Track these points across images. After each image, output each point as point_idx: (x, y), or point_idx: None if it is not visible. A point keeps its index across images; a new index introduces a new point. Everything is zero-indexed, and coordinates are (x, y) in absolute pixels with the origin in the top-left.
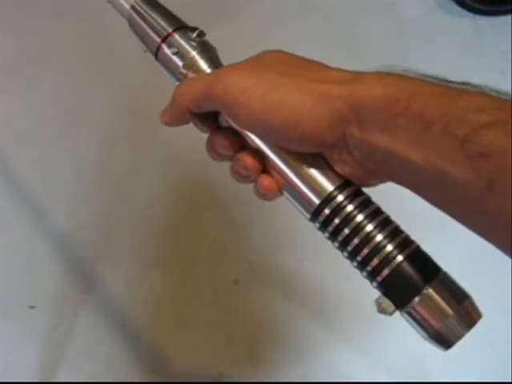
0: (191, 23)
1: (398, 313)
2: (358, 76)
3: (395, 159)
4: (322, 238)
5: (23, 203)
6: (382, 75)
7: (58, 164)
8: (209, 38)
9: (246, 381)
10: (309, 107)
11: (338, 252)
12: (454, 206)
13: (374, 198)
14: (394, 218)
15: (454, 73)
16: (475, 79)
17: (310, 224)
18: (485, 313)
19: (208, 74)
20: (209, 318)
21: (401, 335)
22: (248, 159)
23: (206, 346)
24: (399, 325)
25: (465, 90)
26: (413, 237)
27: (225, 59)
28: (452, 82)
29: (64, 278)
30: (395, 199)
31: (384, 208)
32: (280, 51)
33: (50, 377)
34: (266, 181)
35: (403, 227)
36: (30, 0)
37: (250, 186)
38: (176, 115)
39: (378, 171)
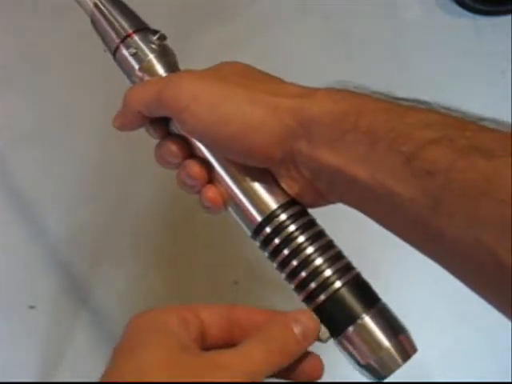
0: (191, 23)
1: None
2: (309, 91)
3: (343, 177)
4: None
5: (23, 203)
6: (333, 91)
7: (58, 164)
8: (209, 38)
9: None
10: (258, 120)
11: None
12: (401, 226)
13: (331, 217)
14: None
15: (454, 73)
16: (475, 79)
17: None
18: (485, 313)
19: (160, 78)
20: None
21: None
22: (194, 167)
23: None
24: None
25: (412, 107)
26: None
27: (224, 60)
28: (401, 98)
29: (64, 278)
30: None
31: (334, 230)
32: (238, 63)
33: (50, 377)
34: (210, 192)
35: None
36: (30, 0)
37: None
38: (127, 119)
39: (327, 191)
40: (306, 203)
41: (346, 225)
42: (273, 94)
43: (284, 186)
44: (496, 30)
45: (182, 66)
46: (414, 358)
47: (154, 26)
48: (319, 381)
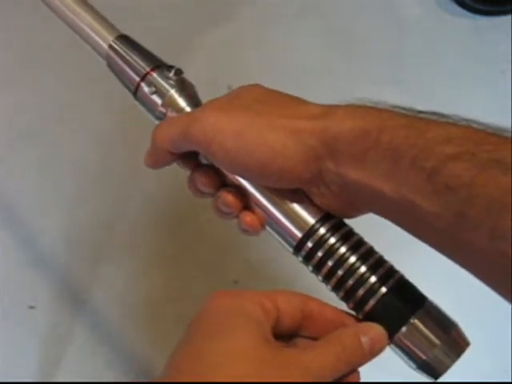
0: (191, 24)
1: None
2: (329, 110)
3: (370, 192)
4: None
5: (23, 203)
6: (352, 108)
7: (58, 164)
8: (209, 38)
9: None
10: (281, 145)
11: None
12: (428, 237)
13: (361, 227)
14: (382, 245)
15: (454, 73)
16: (475, 79)
17: None
18: (485, 313)
19: (185, 115)
20: None
21: None
22: (229, 197)
23: None
24: None
25: (432, 121)
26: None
27: (225, 59)
28: (421, 112)
29: (64, 278)
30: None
31: (372, 236)
32: (257, 86)
33: (50, 377)
34: (248, 217)
35: (393, 253)
36: (30, 0)
37: None
38: (157, 158)
39: (356, 203)
40: (340, 215)
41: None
42: (293, 117)
43: (317, 201)
44: (496, 30)
45: (183, 65)
46: None
47: (154, 26)
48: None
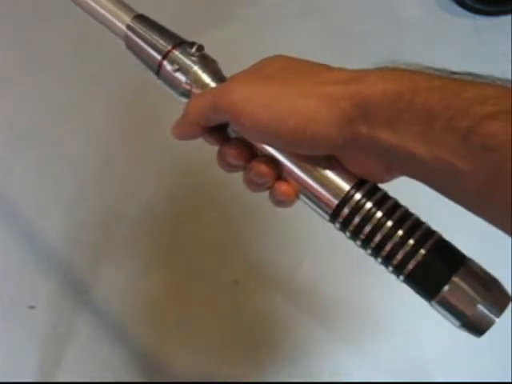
0: (192, 24)
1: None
2: (360, 74)
3: (404, 154)
4: (321, 238)
5: (23, 203)
6: (384, 72)
7: (58, 164)
8: (209, 38)
9: (245, 381)
10: (314, 111)
11: (337, 252)
12: (463, 197)
13: (393, 192)
14: (414, 209)
15: None
16: None
17: (310, 224)
18: None
19: (214, 88)
20: (209, 318)
21: (401, 335)
22: (262, 167)
23: (205, 345)
24: (399, 325)
25: (467, 82)
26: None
27: (225, 60)
28: (455, 73)
29: (64, 278)
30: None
31: (403, 201)
32: (280, 56)
33: (49, 377)
34: (283, 186)
35: (425, 217)
36: (30, 0)
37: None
38: (187, 130)
39: (390, 167)
40: (373, 180)
41: None
42: (321, 83)
43: (350, 167)
44: (496, 30)
45: None
46: (414, 358)
47: None
48: (320, 380)
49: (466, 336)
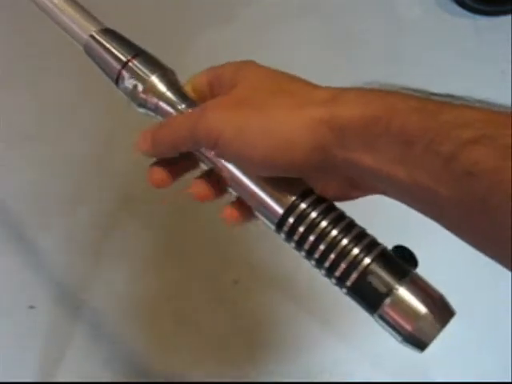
0: (192, 24)
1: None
2: (336, 94)
3: (382, 177)
4: None
5: (23, 203)
6: (360, 93)
7: (58, 163)
8: (209, 38)
9: (245, 381)
10: (288, 138)
11: None
12: (445, 222)
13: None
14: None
15: (454, 73)
16: (475, 79)
17: None
18: (485, 312)
19: (186, 117)
20: (209, 318)
21: None
22: (203, 187)
23: (205, 345)
24: None
25: (446, 104)
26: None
27: (225, 60)
28: (434, 94)
29: (64, 278)
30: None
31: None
32: (254, 69)
33: (49, 377)
34: (228, 210)
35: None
36: (30, 1)
37: None
38: (155, 153)
39: (364, 187)
40: (344, 198)
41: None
42: (298, 105)
43: (319, 187)
44: (496, 30)
45: (183, 65)
46: (414, 357)
47: (154, 26)
48: (320, 380)
49: (465, 336)
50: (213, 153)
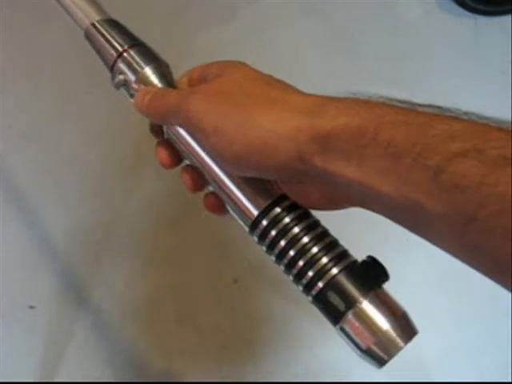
0: (193, 24)
1: None
2: (320, 104)
3: (366, 190)
4: None
5: (23, 203)
6: (346, 103)
7: (58, 163)
8: (209, 38)
9: (245, 381)
10: (266, 141)
11: None
12: (433, 237)
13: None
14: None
15: (455, 73)
16: (475, 79)
17: None
18: (484, 313)
19: (178, 95)
20: (209, 318)
21: None
22: (187, 178)
23: (205, 345)
24: None
25: (433, 116)
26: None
27: (225, 59)
28: (419, 105)
29: (64, 278)
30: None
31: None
32: (241, 67)
33: (49, 377)
34: (210, 200)
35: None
36: (30, 1)
37: None
38: (146, 115)
39: (343, 200)
40: (320, 209)
41: (350, 226)
42: (281, 109)
43: (293, 195)
44: (496, 30)
45: (183, 66)
46: (414, 357)
47: (154, 26)
48: (320, 380)
49: (465, 336)
50: (195, 147)
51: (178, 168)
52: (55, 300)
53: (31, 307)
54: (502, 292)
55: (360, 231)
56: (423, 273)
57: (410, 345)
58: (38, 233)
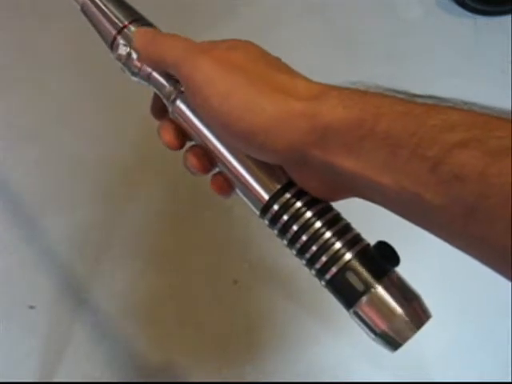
0: (193, 23)
1: None
2: (321, 92)
3: (365, 182)
4: None
5: (23, 203)
6: (345, 93)
7: (58, 163)
8: (209, 38)
9: (246, 381)
10: (269, 122)
11: None
12: (434, 229)
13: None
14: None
15: (455, 73)
16: (475, 79)
17: None
18: (484, 312)
19: (186, 47)
20: (209, 318)
21: None
22: (193, 160)
23: (205, 345)
24: None
25: (432, 107)
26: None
27: None
28: (417, 95)
29: (64, 278)
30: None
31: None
32: (251, 45)
33: (49, 377)
34: (218, 182)
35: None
36: (30, 1)
37: None
38: (143, 55)
39: (344, 190)
40: (318, 198)
41: (352, 220)
42: (286, 93)
43: (299, 183)
44: (496, 30)
45: None
46: (414, 357)
47: (155, 25)
48: (320, 380)
49: (465, 336)
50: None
51: (178, 168)
52: (55, 300)
53: (31, 307)
54: (502, 291)
55: (360, 224)
56: (423, 272)
57: (410, 345)
58: (38, 232)
